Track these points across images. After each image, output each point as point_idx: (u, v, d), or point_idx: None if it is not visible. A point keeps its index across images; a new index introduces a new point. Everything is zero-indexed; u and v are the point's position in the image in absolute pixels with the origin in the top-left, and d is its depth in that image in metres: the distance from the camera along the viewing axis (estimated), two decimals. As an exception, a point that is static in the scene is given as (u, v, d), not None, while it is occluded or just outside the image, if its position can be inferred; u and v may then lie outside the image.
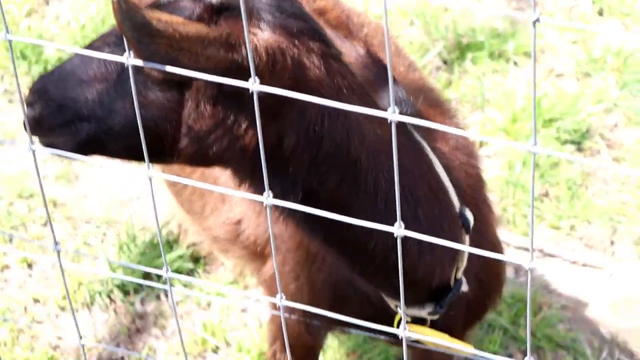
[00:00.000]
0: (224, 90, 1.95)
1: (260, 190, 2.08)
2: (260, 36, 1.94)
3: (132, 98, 1.92)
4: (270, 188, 1.94)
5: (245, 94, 1.89)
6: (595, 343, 3.84)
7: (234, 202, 2.90)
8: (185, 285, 4.07)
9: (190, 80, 1.93)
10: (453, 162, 2.49)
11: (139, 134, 1.90)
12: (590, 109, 4.67)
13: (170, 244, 4.04)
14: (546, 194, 4.34)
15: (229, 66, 1.92)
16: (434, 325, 2.51)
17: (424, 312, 2.45)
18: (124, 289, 3.94)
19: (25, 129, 2.02)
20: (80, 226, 4.19)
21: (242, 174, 2.14)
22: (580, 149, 4.56)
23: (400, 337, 1.85)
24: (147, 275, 3.92)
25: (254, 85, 1.68)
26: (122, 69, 2.02)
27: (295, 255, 2.63)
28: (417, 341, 2.50)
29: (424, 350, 2.82)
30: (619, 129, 4.64)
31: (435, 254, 2.32)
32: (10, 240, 4.12)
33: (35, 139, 2.08)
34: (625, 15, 5.20)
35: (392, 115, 1.57)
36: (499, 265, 2.73)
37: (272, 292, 2.81)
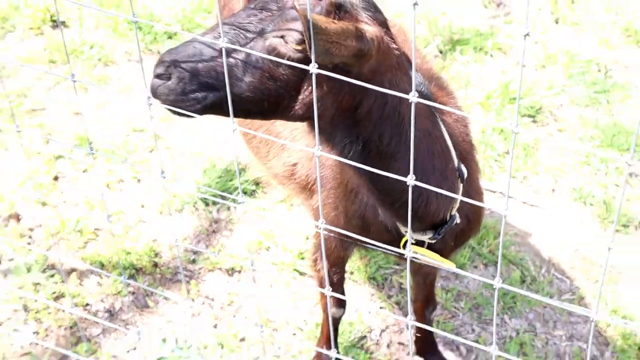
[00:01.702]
0: (336, 69, 1.86)
1: (329, 141, 2.08)
2: (369, 29, 1.90)
3: (261, 73, 1.90)
4: (340, 138, 2.05)
5: (351, 72, 1.90)
6: (537, 262, 3.82)
7: (291, 150, 2.84)
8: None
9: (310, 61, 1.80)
10: (454, 131, 2.42)
11: (258, 100, 1.91)
12: (544, 92, 4.63)
13: (241, 171, 4.00)
14: (507, 152, 4.27)
15: (356, 52, 1.88)
16: (431, 246, 2.49)
17: (425, 237, 2.42)
18: (205, 201, 3.91)
19: (155, 95, 1.94)
20: (176, 155, 4.13)
21: (322, 128, 2.06)
22: (534, 121, 4.52)
23: (405, 256, 1.84)
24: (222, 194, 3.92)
25: (313, 68, 1.64)
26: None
27: (336, 192, 2.58)
28: (415, 258, 2.45)
29: (418, 264, 2.80)
30: (564, 108, 4.59)
31: (439, 197, 2.27)
32: (126, 161, 4.07)
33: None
34: (575, 24, 5.12)
35: (413, 97, 1.57)
36: (481, 207, 2.66)
37: (317, 217, 2.77)
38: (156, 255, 3.69)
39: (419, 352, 3.38)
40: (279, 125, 2.79)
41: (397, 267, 3.74)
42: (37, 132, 4.20)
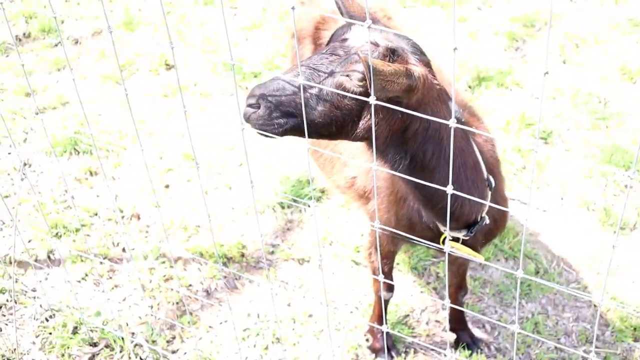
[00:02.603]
0: (390, 101, 1.84)
1: (383, 158, 2.00)
2: (416, 69, 1.87)
3: (330, 103, 1.86)
4: (392, 155, 1.97)
5: (401, 103, 1.83)
6: (548, 257, 3.68)
7: (351, 166, 2.79)
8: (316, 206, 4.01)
9: (369, 94, 1.78)
10: (483, 148, 2.35)
11: (327, 125, 1.87)
12: (554, 119, 4.47)
13: (310, 181, 3.97)
14: (524, 167, 4.14)
15: (406, 88, 1.84)
16: (464, 242, 2.41)
17: (460, 235, 2.35)
18: (281, 205, 3.89)
19: (247, 121, 1.92)
20: (260, 168, 4.12)
21: (377, 147, 2.02)
22: (546, 142, 4.36)
23: (443, 250, 1.80)
24: (295, 199, 3.89)
25: (372, 100, 1.61)
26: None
27: (388, 199, 2.53)
28: (452, 252, 2.38)
29: (455, 257, 2.72)
30: (570, 132, 4.42)
31: (472, 202, 2.21)
32: (220, 173, 4.08)
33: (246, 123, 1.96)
34: (579, 64, 4.96)
35: (452, 123, 1.52)
36: (506, 210, 2.57)
37: (373, 219, 2.72)
38: (243, 247, 3.68)
39: (452, 329, 3.29)
40: (341, 146, 2.75)
41: (434, 259, 3.65)
42: (153, 150, 4.24)
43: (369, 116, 1.89)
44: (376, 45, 1.87)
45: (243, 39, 5.22)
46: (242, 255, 3.64)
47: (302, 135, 1.89)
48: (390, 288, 2.99)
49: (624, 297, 3.46)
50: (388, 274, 2.93)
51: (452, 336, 3.29)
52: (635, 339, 3.32)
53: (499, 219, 2.50)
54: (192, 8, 5.59)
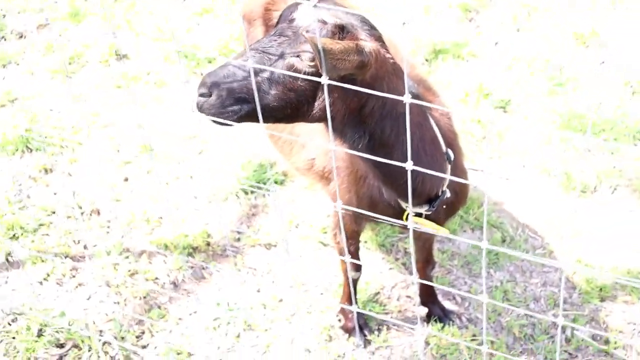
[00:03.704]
0: (344, 79, 1.81)
1: (342, 137, 1.98)
2: (367, 44, 1.83)
3: (283, 86, 1.82)
4: (351, 134, 1.96)
5: (356, 80, 1.81)
6: (513, 224, 3.72)
7: (310, 147, 2.76)
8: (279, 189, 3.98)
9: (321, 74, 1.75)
10: (440, 122, 2.34)
11: (282, 108, 1.84)
12: (512, 87, 4.50)
13: (271, 165, 3.93)
14: (484, 138, 4.16)
15: (358, 64, 1.81)
16: (428, 217, 2.41)
17: (422, 210, 2.35)
18: (245, 191, 3.85)
19: (200, 110, 1.89)
20: (220, 155, 4.07)
21: (335, 127, 1.99)
22: (505, 111, 4.39)
23: (407, 226, 1.80)
24: (256, 185, 3.85)
25: (324, 80, 1.57)
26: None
27: (348, 179, 2.51)
28: (416, 227, 2.38)
29: (419, 232, 2.72)
30: (528, 99, 4.45)
31: (432, 176, 2.20)
32: (179, 163, 4.01)
33: (197, 109, 1.92)
34: (532, 31, 4.99)
35: (407, 99, 1.50)
36: (466, 183, 2.59)
37: (334, 199, 2.70)
38: (208, 236, 3.63)
39: (423, 303, 3.31)
40: (299, 128, 2.72)
41: (401, 235, 3.66)
42: (110, 143, 4.15)
43: (323, 96, 1.87)
44: (324, 23, 1.83)
45: (195, 24, 5.13)
46: (208, 244, 3.60)
47: (258, 120, 1.85)
48: (358, 268, 2.99)
49: (589, 259, 3.52)
50: (354, 254, 2.93)
51: (423, 310, 3.31)
52: (601, 299, 3.39)
53: (460, 192, 2.50)
54: (140, -5, 5.46)
